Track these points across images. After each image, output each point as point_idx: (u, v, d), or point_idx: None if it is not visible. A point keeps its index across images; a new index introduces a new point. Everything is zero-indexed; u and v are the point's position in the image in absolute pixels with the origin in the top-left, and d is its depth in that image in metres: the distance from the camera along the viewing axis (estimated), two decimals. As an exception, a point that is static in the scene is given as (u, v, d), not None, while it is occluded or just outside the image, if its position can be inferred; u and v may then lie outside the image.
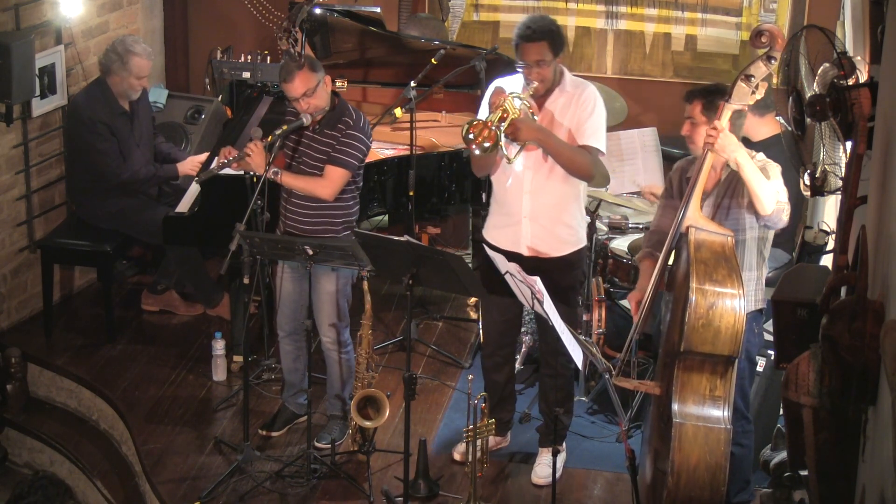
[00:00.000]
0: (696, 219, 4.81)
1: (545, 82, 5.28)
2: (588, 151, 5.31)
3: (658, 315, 5.56)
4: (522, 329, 6.35)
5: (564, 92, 5.34)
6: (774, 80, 5.48)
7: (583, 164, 5.29)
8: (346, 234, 5.65)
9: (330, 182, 5.55)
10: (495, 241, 5.47)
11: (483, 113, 5.33)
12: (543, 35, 5.21)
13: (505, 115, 5.10)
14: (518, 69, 5.31)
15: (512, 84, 5.35)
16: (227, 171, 5.81)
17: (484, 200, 6.66)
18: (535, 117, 5.27)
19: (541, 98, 5.32)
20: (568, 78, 5.38)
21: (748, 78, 4.79)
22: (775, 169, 4.90)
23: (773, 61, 4.75)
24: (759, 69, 4.78)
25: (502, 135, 5.07)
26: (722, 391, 4.67)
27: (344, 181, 5.57)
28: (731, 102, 4.82)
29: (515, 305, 5.51)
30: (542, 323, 5.49)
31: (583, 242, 5.52)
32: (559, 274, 5.38)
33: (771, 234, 5.06)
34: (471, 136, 5.03)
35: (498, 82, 5.41)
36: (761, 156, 4.96)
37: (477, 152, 5.06)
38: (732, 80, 4.86)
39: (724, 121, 4.80)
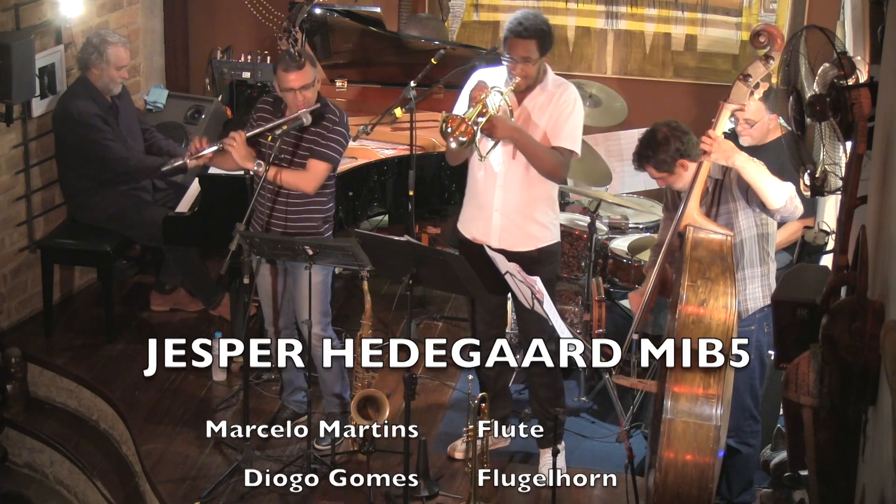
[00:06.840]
0: (695, 218, 4.82)
1: (528, 79, 5.31)
2: (560, 153, 5.34)
3: (658, 314, 5.56)
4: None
5: (545, 90, 5.37)
6: (774, 80, 5.48)
7: (553, 166, 5.33)
8: (327, 227, 5.68)
9: (313, 175, 5.57)
10: (467, 233, 5.52)
11: (462, 105, 5.36)
12: (533, 33, 5.23)
13: (484, 111, 5.13)
14: (503, 62, 5.33)
15: (494, 76, 5.37)
16: (225, 171, 5.81)
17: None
18: (514, 112, 5.31)
19: (521, 94, 5.36)
20: (550, 77, 5.41)
21: (746, 78, 4.79)
22: (762, 165, 4.92)
23: (771, 61, 4.75)
24: (758, 69, 4.79)
25: (478, 131, 5.12)
26: (716, 389, 4.66)
27: (326, 175, 5.60)
28: (729, 102, 4.82)
29: (499, 298, 5.53)
30: (524, 319, 5.49)
31: (555, 239, 5.54)
32: (530, 268, 5.37)
33: (773, 230, 5.06)
34: (448, 129, 5.10)
35: (480, 73, 5.45)
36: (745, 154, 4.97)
37: (453, 145, 5.13)
38: (730, 82, 4.86)
39: (720, 126, 4.82)
